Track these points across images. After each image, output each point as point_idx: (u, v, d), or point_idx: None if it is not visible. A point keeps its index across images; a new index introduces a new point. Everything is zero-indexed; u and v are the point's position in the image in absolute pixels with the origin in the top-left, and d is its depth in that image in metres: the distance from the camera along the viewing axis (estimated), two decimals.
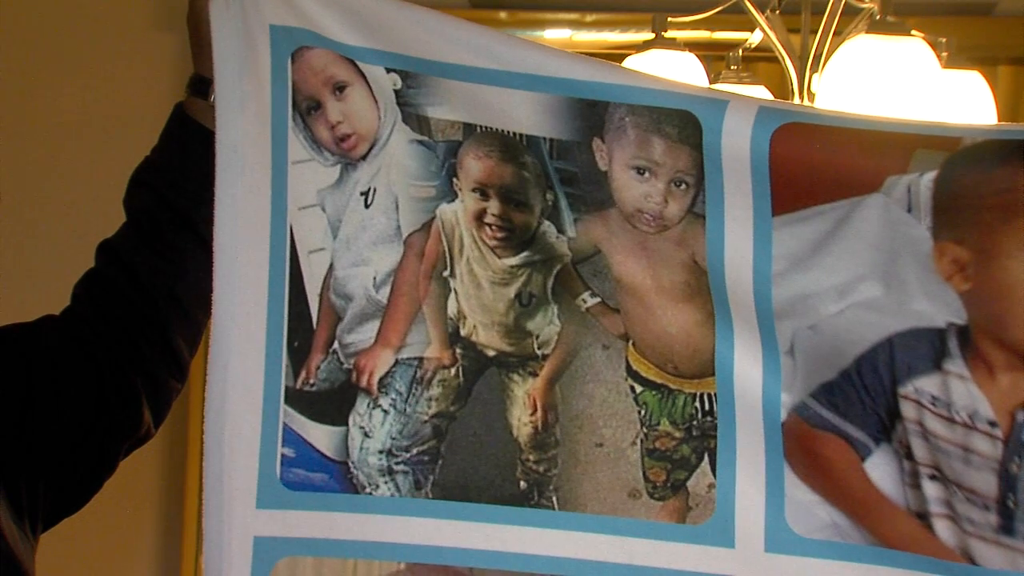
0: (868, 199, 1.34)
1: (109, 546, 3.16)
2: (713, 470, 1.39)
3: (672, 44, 2.43)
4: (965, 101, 2.23)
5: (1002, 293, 1.32)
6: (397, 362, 1.45)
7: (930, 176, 1.32)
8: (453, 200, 1.44)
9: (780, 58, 2.33)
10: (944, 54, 2.18)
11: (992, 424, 1.32)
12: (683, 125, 1.36)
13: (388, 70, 1.42)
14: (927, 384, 1.34)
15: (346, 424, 1.44)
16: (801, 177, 1.35)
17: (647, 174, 1.39)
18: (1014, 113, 3.20)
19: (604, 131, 1.39)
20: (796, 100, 2.32)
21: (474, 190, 1.43)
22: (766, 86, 2.49)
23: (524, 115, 1.40)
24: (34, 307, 1.59)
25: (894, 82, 2.05)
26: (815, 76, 2.29)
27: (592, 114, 1.39)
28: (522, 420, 1.44)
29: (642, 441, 1.42)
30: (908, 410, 1.35)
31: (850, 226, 1.35)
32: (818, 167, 1.34)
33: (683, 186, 1.38)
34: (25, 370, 1.51)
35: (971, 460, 1.33)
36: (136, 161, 1.59)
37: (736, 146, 1.34)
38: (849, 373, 1.36)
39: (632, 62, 2.44)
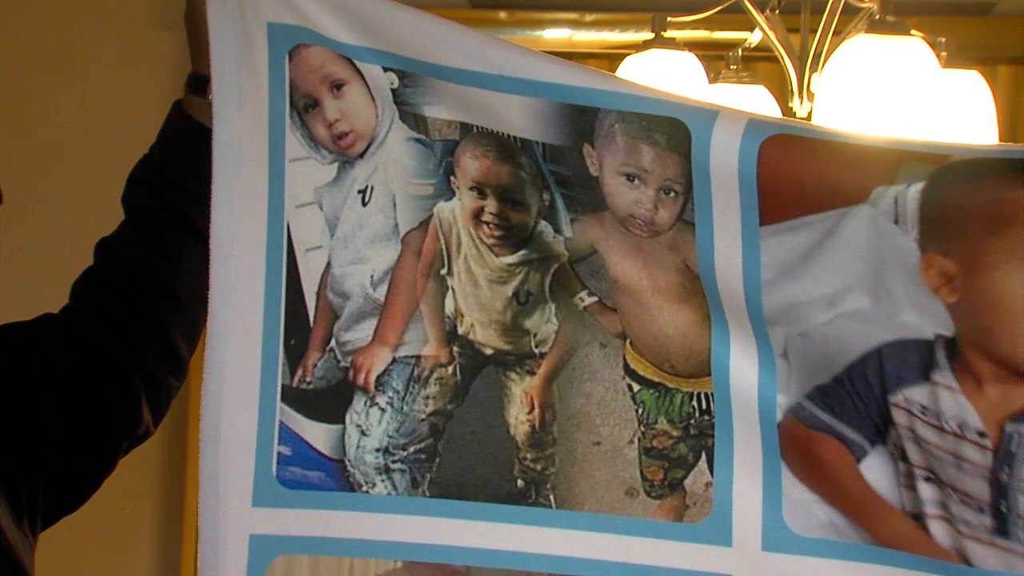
0: (855, 210, 1.34)
1: (109, 545, 3.16)
2: (711, 469, 1.39)
3: (671, 44, 2.43)
4: (965, 101, 2.23)
5: (989, 305, 1.32)
6: (394, 360, 1.45)
7: (917, 187, 1.32)
8: (451, 198, 1.44)
9: (780, 58, 2.33)
10: (944, 54, 2.18)
11: (981, 435, 1.32)
12: (672, 133, 1.36)
13: (385, 69, 1.42)
14: (916, 394, 1.34)
15: (343, 422, 1.44)
16: (788, 188, 1.35)
17: (637, 181, 1.39)
18: (1014, 113, 3.20)
19: (594, 137, 1.39)
20: (796, 100, 2.32)
21: (471, 188, 1.43)
22: (766, 86, 2.48)
23: (516, 119, 1.40)
24: (34, 306, 1.59)
25: (893, 82, 2.05)
26: (815, 76, 2.29)
27: (582, 120, 1.39)
28: (519, 418, 1.44)
29: (639, 440, 1.42)
30: (900, 417, 1.35)
31: (837, 237, 1.35)
32: (805, 178, 1.34)
33: (672, 194, 1.38)
34: (24, 369, 1.51)
35: (963, 467, 1.33)
36: (135, 160, 1.59)
37: (724, 156, 1.34)
38: (841, 379, 1.36)
39: (631, 62, 2.44)
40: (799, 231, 1.35)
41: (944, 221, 1.32)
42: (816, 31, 2.28)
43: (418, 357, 1.45)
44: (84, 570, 3.13)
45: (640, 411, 1.42)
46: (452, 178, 1.43)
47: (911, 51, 2.05)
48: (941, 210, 1.32)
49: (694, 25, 2.47)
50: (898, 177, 1.33)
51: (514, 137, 1.41)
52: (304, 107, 1.42)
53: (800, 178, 1.34)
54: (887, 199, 1.33)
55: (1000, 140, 2.30)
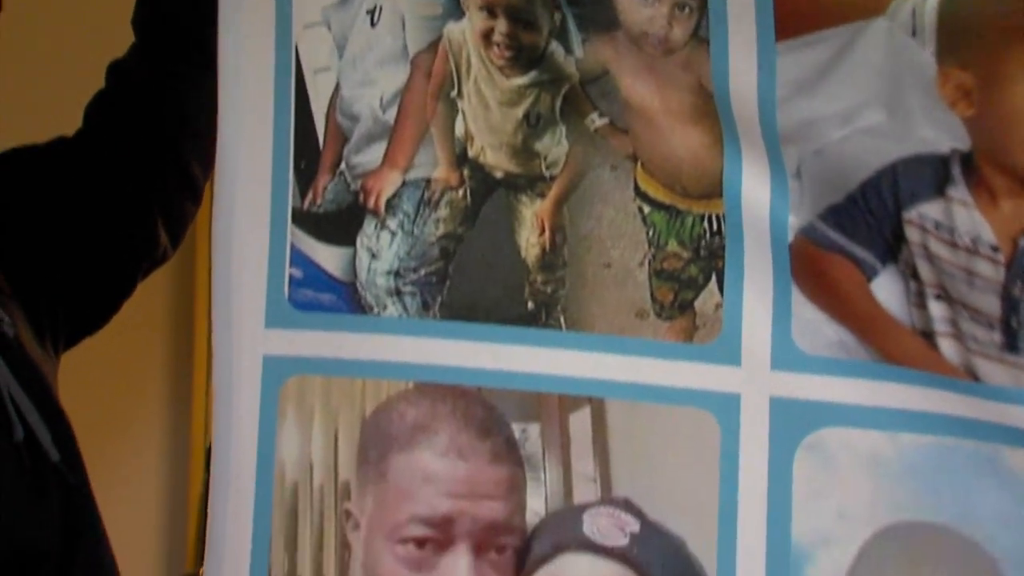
0: (872, 24, 1.33)
1: (121, 368, 3.19)
2: (720, 290, 1.40)
3: None
4: None
5: (1006, 119, 1.32)
6: (404, 183, 1.44)
7: (935, 0, 1.31)
8: (460, 19, 1.43)
9: None
10: None
11: (994, 249, 1.33)
12: None
13: None
14: (930, 209, 1.34)
15: (353, 245, 1.44)
16: (804, 2, 1.34)
17: None
18: None
19: None
20: None
21: (481, 8, 1.42)
22: None
23: None
24: None
25: None
26: None
27: None
28: (530, 241, 1.44)
29: (650, 261, 1.42)
30: (912, 234, 1.35)
31: (854, 51, 1.34)
32: None
33: (687, 10, 1.37)
34: (39, 191, 1.51)
35: (975, 283, 1.34)
36: None
37: None
38: (855, 197, 1.36)
39: None
40: (815, 46, 1.34)
41: (962, 34, 1.31)
42: None
43: (428, 180, 1.44)
44: (95, 387, 3.16)
45: (651, 233, 1.42)
46: None
47: None
48: (959, 22, 1.31)
49: None
50: None
51: None
52: None
53: None
54: (904, 12, 1.32)
55: None
